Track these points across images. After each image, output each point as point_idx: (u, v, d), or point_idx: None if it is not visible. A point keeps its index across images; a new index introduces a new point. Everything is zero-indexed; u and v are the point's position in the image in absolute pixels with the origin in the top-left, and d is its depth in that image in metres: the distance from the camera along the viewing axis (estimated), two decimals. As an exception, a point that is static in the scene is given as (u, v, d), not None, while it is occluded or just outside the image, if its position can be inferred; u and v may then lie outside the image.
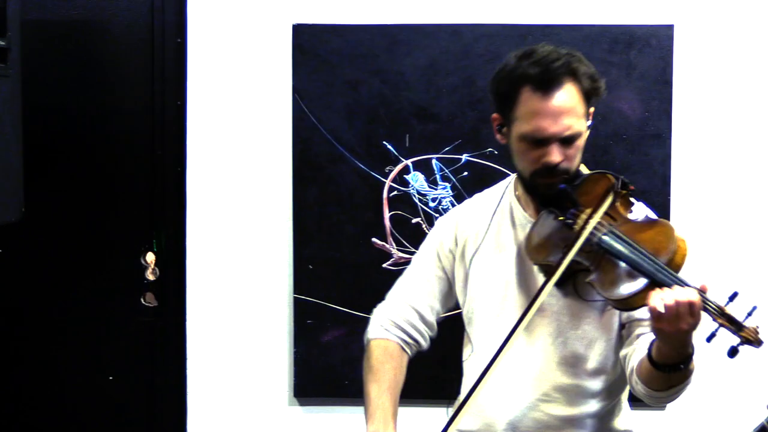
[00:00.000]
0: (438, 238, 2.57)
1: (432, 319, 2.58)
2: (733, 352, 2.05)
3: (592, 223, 2.26)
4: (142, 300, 3.85)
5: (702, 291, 2.11)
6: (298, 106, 3.71)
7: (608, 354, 2.43)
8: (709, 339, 2.08)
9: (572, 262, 2.28)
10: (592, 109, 2.38)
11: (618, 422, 2.53)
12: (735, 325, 2.06)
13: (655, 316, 2.11)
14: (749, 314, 2.07)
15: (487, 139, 3.56)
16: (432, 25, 3.70)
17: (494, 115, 2.43)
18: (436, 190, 3.71)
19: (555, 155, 2.32)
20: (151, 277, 3.83)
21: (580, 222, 2.30)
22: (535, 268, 2.40)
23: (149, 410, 3.87)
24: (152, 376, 3.86)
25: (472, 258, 2.51)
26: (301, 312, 3.76)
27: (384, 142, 3.72)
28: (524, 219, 2.47)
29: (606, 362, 2.44)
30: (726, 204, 3.74)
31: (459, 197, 3.59)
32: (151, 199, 3.82)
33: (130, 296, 3.82)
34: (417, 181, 3.70)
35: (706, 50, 3.73)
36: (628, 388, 2.52)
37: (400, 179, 3.72)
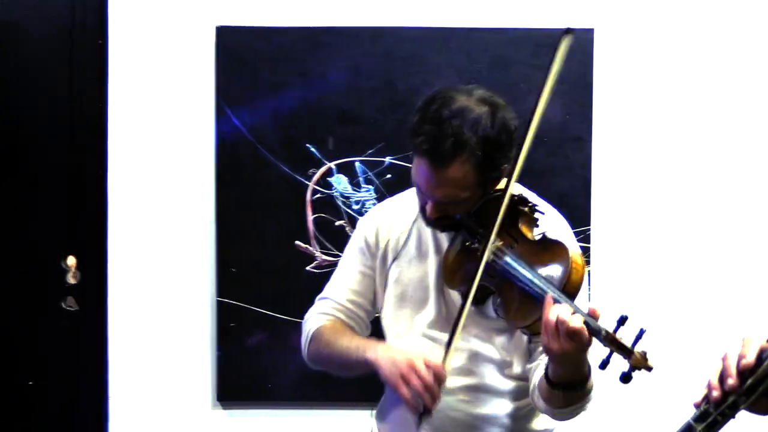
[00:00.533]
0: (362, 238, 2.56)
1: (364, 315, 2.57)
2: (625, 378, 2.01)
3: (489, 248, 2.24)
4: (63, 304, 3.81)
5: (591, 315, 2.08)
6: (222, 108, 3.70)
7: (525, 362, 2.45)
8: (602, 366, 2.04)
9: (480, 286, 2.27)
10: (504, 166, 2.31)
11: (536, 423, 2.53)
12: (624, 351, 2.01)
13: (543, 333, 2.11)
14: (637, 338, 2.02)
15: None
16: (355, 28, 3.69)
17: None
18: (359, 192, 3.71)
19: (431, 212, 2.34)
20: (72, 280, 3.79)
21: (481, 247, 2.29)
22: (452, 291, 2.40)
23: (70, 416, 3.83)
24: (73, 381, 3.81)
25: (391, 263, 2.50)
26: (224, 315, 3.74)
27: (307, 145, 3.71)
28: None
29: (523, 369, 2.46)
30: (646, 206, 3.76)
31: (382, 200, 3.32)
32: (71, 202, 3.78)
33: (51, 300, 3.78)
34: (340, 183, 3.70)
35: (625, 54, 3.74)
36: None
37: (324, 182, 3.72)
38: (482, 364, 2.43)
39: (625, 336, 2.00)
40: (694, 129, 3.76)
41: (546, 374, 2.22)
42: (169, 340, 3.79)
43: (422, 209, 2.36)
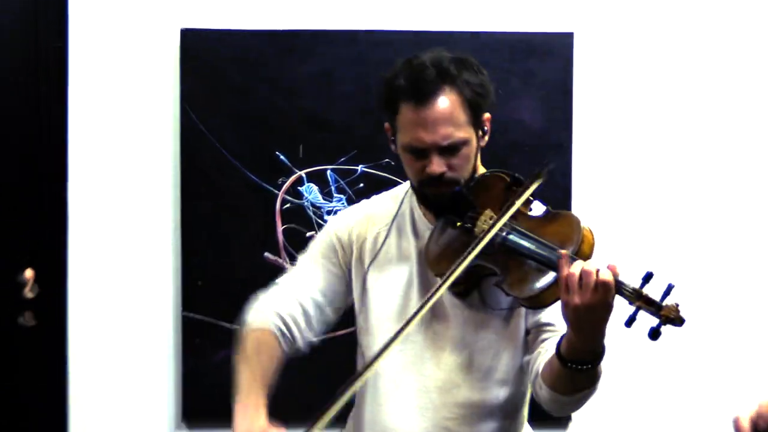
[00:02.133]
0: (334, 235, 2.54)
1: (315, 319, 2.52)
2: (654, 333, 2.02)
3: (501, 221, 2.26)
4: (20, 319, 3.73)
5: (613, 273, 2.12)
6: (186, 114, 3.66)
7: (514, 364, 2.43)
8: (628, 323, 2.06)
9: (476, 266, 2.28)
10: (487, 116, 2.39)
11: None
12: (653, 306, 2.04)
13: (564, 289, 2.11)
14: (666, 293, 2.05)
15: (384, 150, 3.43)
16: (326, 31, 3.69)
17: (386, 125, 2.45)
18: (331, 202, 3.69)
19: (436, 165, 2.33)
20: (29, 294, 3.71)
21: (480, 224, 2.32)
22: (439, 279, 2.35)
23: (28, 436, 3.76)
24: (31, 401, 3.75)
25: (369, 265, 2.49)
26: (189, 330, 3.70)
27: (276, 153, 3.70)
28: (425, 227, 2.46)
29: (511, 372, 2.44)
30: (627, 215, 3.78)
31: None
32: (30, 212, 3.72)
33: (6, 316, 3.70)
34: (311, 193, 3.69)
35: (606, 58, 3.77)
36: (527, 405, 2.52)
37: (294, 191, 3.71)
38: (467, 375, 2.42)
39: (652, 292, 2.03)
40: (678, 134, 3.80)
41: (558, 352, 2.21)
42: (132, 357, 3.76)
43: (419, 185, 2.36)
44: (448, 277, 2.25)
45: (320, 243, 2.56)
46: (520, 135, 3.67)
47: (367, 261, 2.50)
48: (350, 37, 3.68)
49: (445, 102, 2.32)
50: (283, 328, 2.49)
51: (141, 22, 3.73)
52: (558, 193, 3.67)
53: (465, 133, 2.35)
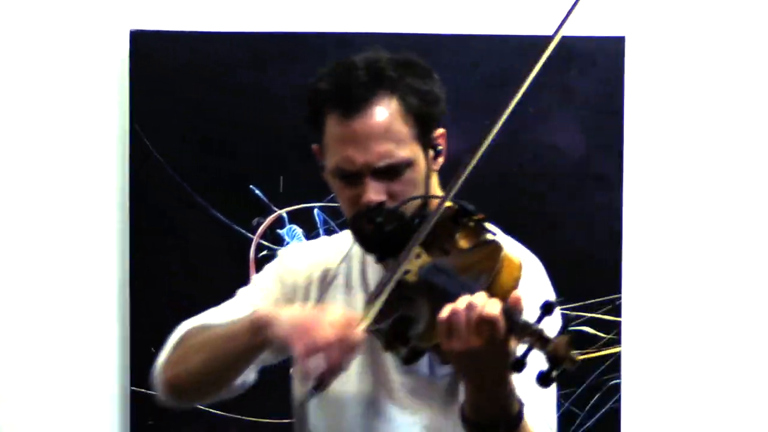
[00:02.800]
0: (280, 270, 2.42)
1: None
2: (543, 378, 1.82)
3: (405, 264, 2.12)
4: None
5: (513, 305, 1.95)
6: (137, 137, 3.49)
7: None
8: (516, 365, 1.86)
9: (401, 317, 2.13)
10: (440, 131, 2.23)
11: None
12: (542, 342, 1.84)
13: (444, 331, 1.94)
14: (563, 328, 1.90)
15: None
16: (312, 34, 3.51)
17: (314, 147, 2.27)
18: None
19: (372, 193, 2.17)
20: None
21: (413, 265, 2.16)
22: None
23: None
24: None
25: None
26: (141, 410, 3.49)
27: (251, 186, 3.51)
28: (377, 276, 2.32)
29: None
30: (690, 264, 3.56)
31: (347, 257, 3.40)
32: None
33: None
34: (294, 236, 3.52)
35: (665, 70, 3.56)
36: None
37: (272, 235, 3.52)
38: None
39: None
40: (754, 163, 3.56)
41: (462, 414, 2.06)
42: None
43: (354, 219, 2.23)
44: (382, 341, 2.13)
45: (267, 276, 2.45)
46: (555, 164, 3.53)
47: (313, 299, 2.39)
48: (341, 41, 3.49)
49: (381, 112, 2.15)
50: None
51: (82, 22, 3.55)
52: (604, 238, 3.49)
53: (408, 151, 2.17)
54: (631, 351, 3.53)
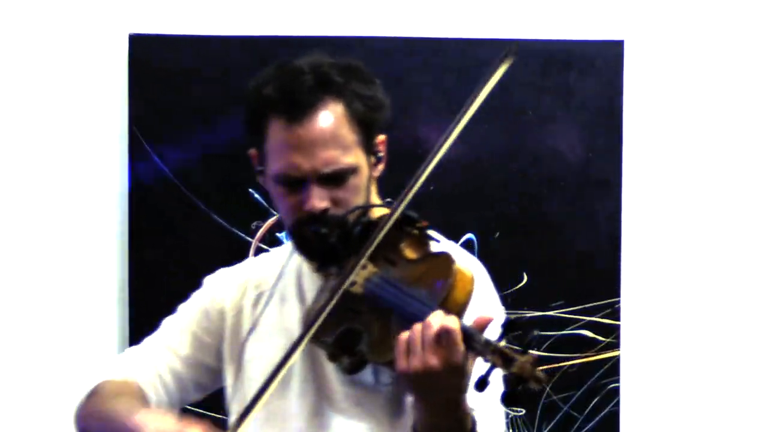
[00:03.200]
0: (207, 300, 2.41)
1: (173, 391, 2.39)
2: (508, 398, 1.82)
3: (353, 275, 2.11)
4: None
5: (478, 326, 1.93)
6: (137, 141, 3.48)
7: None
8: (479, 385, 1.84)
9: (347, 330, 2.13)
10: (381, 138, 2.23)
11: None
12: (505, 361, 1.84)
13: (402, 350, 1.95)
14: (528, 345, 1.85)
15: (387, 187, 3.16)
16: (312, 38, 3.48)
17: (251, 152, 2.25)
18: None
19: (316, 199, 2.15)
20: None
21: (358, 276, 2.16)
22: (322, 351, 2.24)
23: None
24: None
25: (246, 338, 2.34)
26: None
27: (250, 190, 3.49)
28: (314, 287, 2.30)
29: None
30: (690, 269, 3.54)
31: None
32: None
33: None
34: None
35: (665, 73, 3.55)
36: None
37: (271, 238, 3.52)
38: None
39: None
40: (756, 169, 3.54)
41: (414, 430, 2.06)
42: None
43: (295, 226, 2.20)
44: (293, 349, 2.09)
45: (191, 307, 2.44)
46: (555, 169, 3.52)
47: (244, 332, 2.35)
48: (344, 45, 3.45)
49: (328, 117, 2.14)
50: (153, 382, 2.37)
51: (80, 26, 3.54)
52: (603, 243, 3.49)
53: (353, 158, 2.16)
54: (630, 355, 3.51)
